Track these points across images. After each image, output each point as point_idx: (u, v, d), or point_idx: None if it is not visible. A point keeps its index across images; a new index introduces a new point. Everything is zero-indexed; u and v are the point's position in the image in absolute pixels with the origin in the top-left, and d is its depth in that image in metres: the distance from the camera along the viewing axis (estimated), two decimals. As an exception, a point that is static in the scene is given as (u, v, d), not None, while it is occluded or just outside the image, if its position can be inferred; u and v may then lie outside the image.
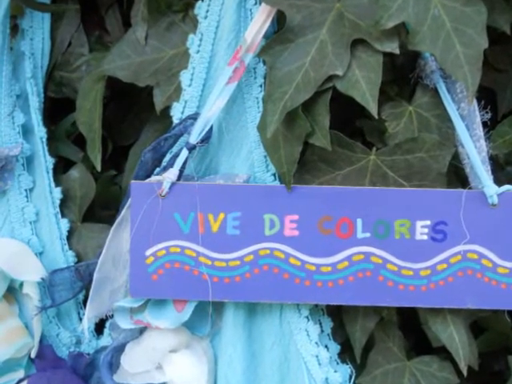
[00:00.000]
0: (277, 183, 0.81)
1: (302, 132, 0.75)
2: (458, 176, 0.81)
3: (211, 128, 0.78)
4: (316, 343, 0.80)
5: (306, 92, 0.74)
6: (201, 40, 0.82)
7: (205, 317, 0.81)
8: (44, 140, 0.89)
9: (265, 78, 0.81)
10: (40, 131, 0.88)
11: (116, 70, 0.86)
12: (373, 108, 0.73)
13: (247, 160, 0.81)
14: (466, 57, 0.71)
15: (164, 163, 0.81)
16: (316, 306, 0.82)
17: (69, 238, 0.88)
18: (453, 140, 0.80)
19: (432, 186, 0.78)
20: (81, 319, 0.88)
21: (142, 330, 0.82)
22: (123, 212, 0.80)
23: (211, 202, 0.78)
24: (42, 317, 0.85)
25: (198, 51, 0.82)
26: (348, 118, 0.82)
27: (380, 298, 0.79)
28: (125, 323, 0.80)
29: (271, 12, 0.78)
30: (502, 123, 0.83)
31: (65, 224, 0.88)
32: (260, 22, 0.78)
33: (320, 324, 0.83)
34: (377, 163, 0.79)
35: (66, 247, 0.88)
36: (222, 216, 0.78)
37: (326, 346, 0.82)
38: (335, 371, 0.81)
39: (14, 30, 0.91)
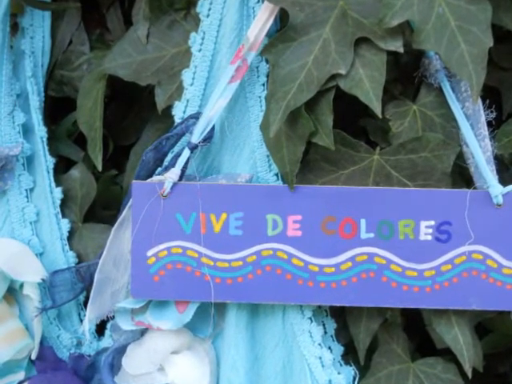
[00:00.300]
0: (279, 183, 0.81)
1: (305, 131, 0.75)
2: (462, 176, 0.81)
3: (213, 127, 0.79)
4: (319, 345, 0.80)
5: (309, 91, 0.74)
6: (203, 38, 0.82)
7: (207, 318, 0.81)
8: (44, 139, 0.89)
9: (267, 76, 0.81)
10: (40, 130, 0.89)
11: (117, 69, 0.86)
12: (376, 107, 0.73)
13: (249, 159, 0.82)
14: (470, 55, 0.71)
15: (166, 163, 0.81)
16: (319, 307, 0.82)
17: (69, 238, 0.88)
18: (457, 139, 0.80)
19: (436, 185, 0.79)
20: (81, 320, 0.88)
21: (143, 332, 0.82)
22: (124, 212, 0.80)
23: (213, 202, 0.78)
24: (43, 318, 0.85)
25: (199, 50, 0.82)
26: (351, 117, 0.82)
27: (384, 299, 0.79)
28: (126, 324, 0.80)
29: (274, 10, 0.78)
30: (507, 122, 0.83)
31: (65, 224, 0.88)
32: (262, 20, 0.78)
33: (323, 325, 0.83)
34: (380, 163, 0.79)
35: (67, 248, 0.88)
36: (224, 216, 0.78)
37: (330, 348, 0.82)
38: (339, 373, 0.81)
39: (14, 28, 0.91)
